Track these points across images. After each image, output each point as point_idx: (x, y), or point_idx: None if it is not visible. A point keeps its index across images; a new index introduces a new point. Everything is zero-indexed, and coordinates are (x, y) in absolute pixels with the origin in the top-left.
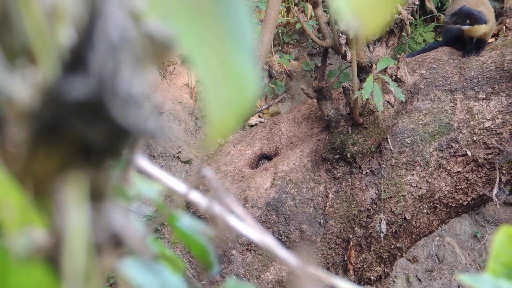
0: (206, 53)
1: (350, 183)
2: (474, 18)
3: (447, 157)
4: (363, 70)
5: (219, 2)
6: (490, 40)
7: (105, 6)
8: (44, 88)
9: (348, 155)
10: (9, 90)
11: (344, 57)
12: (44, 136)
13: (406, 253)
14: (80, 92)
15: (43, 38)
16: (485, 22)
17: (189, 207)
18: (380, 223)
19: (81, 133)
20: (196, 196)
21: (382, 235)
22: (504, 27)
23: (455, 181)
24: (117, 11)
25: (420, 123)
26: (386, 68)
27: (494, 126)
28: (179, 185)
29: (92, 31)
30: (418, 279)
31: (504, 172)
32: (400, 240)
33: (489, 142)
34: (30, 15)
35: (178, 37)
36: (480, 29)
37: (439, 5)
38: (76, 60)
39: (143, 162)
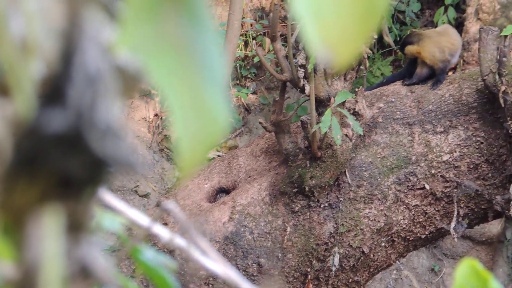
0: (176, 86)
1: (308, 217)
2: (405, 40)
3: (405, 191)
4: (322, 104)
5: (189, 34)
6: (449, 74)
7: (82, 39)
8: (18, 121)
9: (306, 188)
10: None
11: (302, 90)
12: (23, 169)
13: (364, 287)
14: (59, 124)
15: (15, 70)
16: (411, 43)
17: (148, 240)
18: (334, 256)
19: (60, 165)
20: (158, 229)
21: (334, 269)
22: (462, 60)
23: (413, 214)
24: (91, 45)
25: (378, 156)
26: (344, 101)
27: (452, 160)
28: (142, 218)
29: (70, 64)
30: None
31: (462, 205)
32: (358, 274)
33: (447, 176)
34: (1, 48)
35: (148, 70)
36: (411, 49)
37: (397, 39)
38: (55, 93)
39: (106, 195)
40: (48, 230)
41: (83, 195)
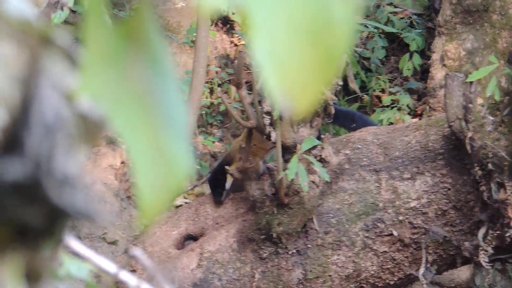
0: (137, 133)
1: (276, 263)
2: None
3: (373, 237)
4: (288, 151)
5: (151, 81)
6: (414, 120)
7: (40, 87)
8: None
9: (274, 235)
10: None
11: (268, 137)
12: None
13: None
14: (17, 173)
15: None
16: None
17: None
18: None
19: (18, 215)
20: (126, 276)
21: None
22: (427, 107)
23: (382, 260)
24: (51, 92)
25: (345, 203)
26: (311, 148)
27: (420, 206)
28: (109, 265)
29: (27, 113)
30: None
31: (430, 251)
32: None
33: (415, 222)
34: None
35: (109, 117)
36: None
37: (363, 85)
38: (12, 141)
39: (72, 242)
40: (9, 280)
41: (41, 244)
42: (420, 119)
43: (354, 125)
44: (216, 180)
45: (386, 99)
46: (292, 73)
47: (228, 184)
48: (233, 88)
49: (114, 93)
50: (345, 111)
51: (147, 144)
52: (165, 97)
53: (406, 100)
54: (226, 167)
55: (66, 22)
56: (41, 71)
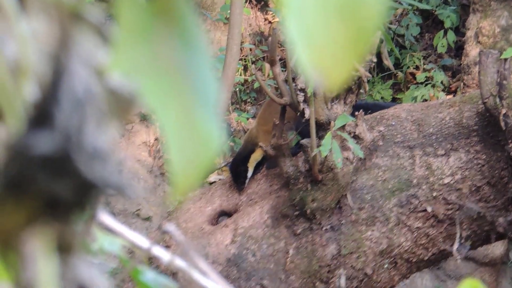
0: (169, 109)
1: (310, 239)
2: None
3: (407, 213)
4: (322, 127)
5: (183, 58)
6: (448, 97)
7: (70, 62)
8: (8, 143)
9: (308, 211)
10: None
11: (302, 114)
12: (10, 192)
13: None
14: (47, 147)
15: (7, 93)
16: None
17: (151, 262)
18: (339, 278)
19: (48, 188)
20: (159, 251)
21: None
22: (462, 83)
23: (416, 236)
24: (81, 68)
25: (379, 179)
26: (344, 125)
27: (454, 182)
28: (142, 240)
29: (58, 87)
30: None
31: (464, 227)
32: None
33: (449, 198)
34: None
35: (141, 93)
36: None
37: (397, 62)
38: (42, 115)
39: (105, 217)
40: (40, 252)
41: (71, 217)
42: (454, 96)
43: (370, 111)
44: (238, 169)
45: (420, 76)
46: (324, 49)
47: (250, 173)
48: (267, 65)
49: (146, 70)
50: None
51: (179, 121)
52: (197, 73)
53: (440, 77)
54: (261, 144)
55: None
56: (72, 46)
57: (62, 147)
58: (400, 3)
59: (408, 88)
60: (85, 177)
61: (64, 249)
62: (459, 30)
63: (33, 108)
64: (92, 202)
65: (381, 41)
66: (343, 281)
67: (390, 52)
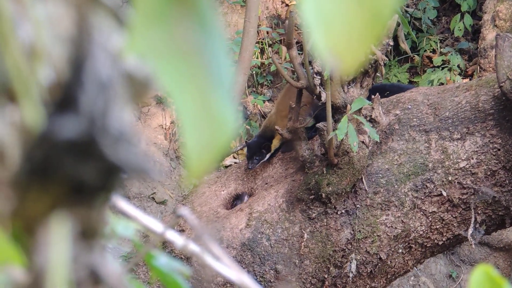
0: (185, 92)
1: (325, 223)
2: None
3: (422, 197)
4: (338, 111)
5: (198, 41)
6: (464, 80)
7: (91, 46)
8: (27, 127)
9: (323, 195)
10: None
11: (318, 97)
12: (35, 177)
13: None
14: (71, 131)
15: (22, 76)
16: None
17: (165, 246)
18: (351, 263)
19: (73, 172)
20: (172, 235)
21: (351, 275)
22: (478, 67)
23: (430, 221)
24: (102, 51)
25: (395, 163)
26: (360, 108)
27: (469, 166)
28: (156, 225)
29: (81, 71)
30: None
31: (479, 212)
32: (375, 280)
33: (464, 182)
34: (9, 54)
35: (157, 76)
36: None
37: (414, 45)
38: (67, 99)
39: (119, 201)
40: (56, 237)
41: (96, 201)
42: (470, 79)
43: (388, 92)
44: (255, 150)
45: (437, 59)
46: (341, 33)
47: (266, 158)
48: (283, 48)
49: (162, 53)
50: (374, 87)
51: (194, 104)
52: (212, 57)
53: (456, 60)
54: (276, 127)
55: None
56: (89, 30)
57: (87, 131)
58: None
59: (424, 71)
60: (110, 161)
61: (86, 234)
62: (476, 13)
63: (56, 92)
64: (116, 185)
65: (398, 25)
66: (354, 266)
67: (407, 36)
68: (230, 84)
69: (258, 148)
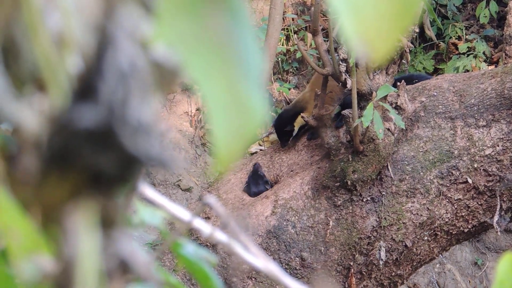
0: (214, 81)
1: (350, 211)
2: None
3: (448, 185)
4: (363, 98)
5: (227, 29)
6: (490, 67)
7: (115, 34)
8: (52, 116)
9: (349, 182)
10: (17, 118)
11: (344, 84)
12: (54, 165)
13: (407, 280)
14: (90, 120)
15: (51, 65)
16: None
17: (191, 234)
18: (379, 250)
19: (91, 161)
20: (199, 224)
21: (381, 262)
22: (504, 54)
23: (456, 208)
24: (126, 40)
25: (420, 150)
26: (386, 95)
27: (495, 154)
28: (183, 213)
29: (102, 60)
30: None
31: (505, 199)
32: (401, 268)
33: (490, 170)
34: (38, 43)
35: (185, 64)
36: None
37: (439, 32)
38: (86, 88)
39: (146, 189)
40: (83, 226)
41: (115, 191)
42: (496, 66)
43: (416, 80)
44: (284, 127)
45: (463, 46)
46: (368, 19)
47: (295, 132)
48: (309, 35)
49: (190, 41)
50: (400, 77)
51: (222, 91)
52: (241, 44)
53: (482, 47)
54: (302, 114)
55: None
56: (116, 18)
57: (105, 121)
58: None
59: (450, 58)
60: (129, 151)
61: (107, 223)
62: (502, 0)
63: (77, 81)
64: (134, 176)
65: (424, 12)
66: (383, 254)
67: (433, 23)
68: (259, 72)
69: (286, 125)
